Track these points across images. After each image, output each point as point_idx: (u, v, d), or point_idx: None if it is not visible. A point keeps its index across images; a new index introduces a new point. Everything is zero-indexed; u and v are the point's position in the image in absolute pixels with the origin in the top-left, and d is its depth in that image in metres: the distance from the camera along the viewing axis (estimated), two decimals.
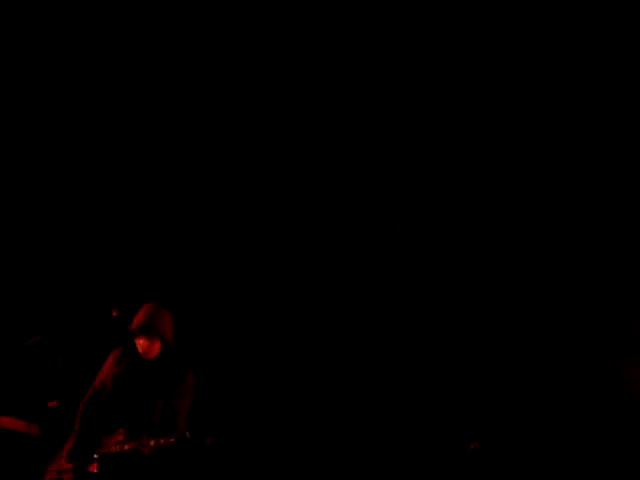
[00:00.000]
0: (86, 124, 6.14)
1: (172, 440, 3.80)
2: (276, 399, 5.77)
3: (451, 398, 5.77)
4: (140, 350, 4.23)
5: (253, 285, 6.19)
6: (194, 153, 6.21)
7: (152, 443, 3.81)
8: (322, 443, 5.60)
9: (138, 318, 4.27)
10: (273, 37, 5.75)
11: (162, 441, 3.80)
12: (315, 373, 5.89)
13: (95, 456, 3.97)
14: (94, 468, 3.93)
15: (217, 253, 6.28)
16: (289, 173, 6.15)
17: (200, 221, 6.29)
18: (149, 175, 6.32)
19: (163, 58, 5.86)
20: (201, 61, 5.88)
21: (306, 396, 5.80)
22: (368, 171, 6.12)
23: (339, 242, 6.18)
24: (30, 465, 5.30)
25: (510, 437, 5.40)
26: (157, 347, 4.23)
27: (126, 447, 3.91)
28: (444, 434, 5.65)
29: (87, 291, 6.30)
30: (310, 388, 5.83)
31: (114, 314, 5.79)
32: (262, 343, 5.96)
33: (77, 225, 6.36)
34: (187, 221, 6.30)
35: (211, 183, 6.24)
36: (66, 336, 5.94)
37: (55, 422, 5.41)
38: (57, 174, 6.28)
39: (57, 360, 5.77)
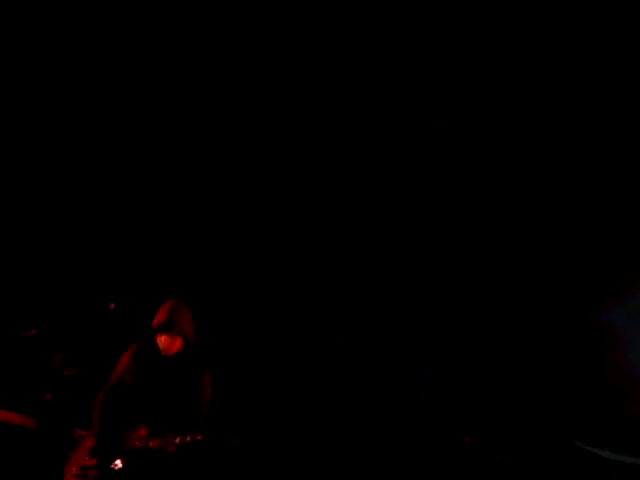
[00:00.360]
0: (86, 124, 6.09)
1: (199, 437, 3.80)
2: (293, 399, 5.80)
3: (447, 391, 5.87)
4: (161, 347, 4.23)
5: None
6: (196, 146, 6.19)
7: (178, 440, 3.82)
8: (325, 438, 5.66)
9: (160, 315, 4.26)
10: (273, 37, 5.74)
11: (188, 438, 3.80)
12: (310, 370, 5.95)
13: (119, 452, 3.97)
14: (119, 464, 3.92)
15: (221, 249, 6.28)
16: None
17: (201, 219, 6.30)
18: (146, 169, 6.30)
19: (163, 58, 5.82)
20: (201, 61, 5.86)
21: (296, 389, 5.86)
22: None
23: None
24: (27, 458, 5.28)
25: (506, 429, 5.51)
26: (178, 344, 4.24)
27: (151, 444, 3.91)
28: (440, 427, 5.75)
29: (84, 284, 6.26)
30: (303, 382, 5.89)
31: (111, 307, 5.80)
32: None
33: (75, 219, 6.30)
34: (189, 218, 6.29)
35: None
36: (63, 329, 5.90)
37: (52, 415, 5.39)
38: (55, 168, 6.21)
39: (52, 360, 5.72)
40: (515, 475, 5.31)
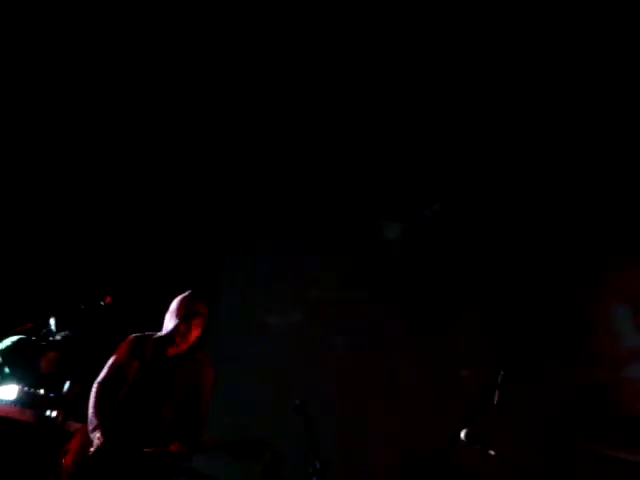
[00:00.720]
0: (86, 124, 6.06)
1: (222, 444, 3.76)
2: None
3: (443, 386, 5.91)
4: (180, 337, 4.17)
5: None
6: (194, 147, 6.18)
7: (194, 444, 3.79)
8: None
9: (181, 307, 4.21)
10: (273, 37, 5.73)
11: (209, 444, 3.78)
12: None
13: (132, 453, 3.91)
14: (130, 464, 3.86)
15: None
16: None
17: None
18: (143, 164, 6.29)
19: (163, 58, 5.80)
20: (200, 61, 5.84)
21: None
22: None
23: None
24: (24, 453, 5.25)
25: (502, 422, 5.54)
26: (196, 334, 4.20)
27: (171, 447, 3.83)
28: (436, 422, 5.78)
29: (80, 278, 6.24)
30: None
31: (107, 301, 5.76)
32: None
33: (72, 215, 6.29)
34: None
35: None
36: (58, 324, 5.85)
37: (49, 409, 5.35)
38: (52, 162, 6.19)
39: (45, 356, 5.66)
40: (509, 470, 5.35)
